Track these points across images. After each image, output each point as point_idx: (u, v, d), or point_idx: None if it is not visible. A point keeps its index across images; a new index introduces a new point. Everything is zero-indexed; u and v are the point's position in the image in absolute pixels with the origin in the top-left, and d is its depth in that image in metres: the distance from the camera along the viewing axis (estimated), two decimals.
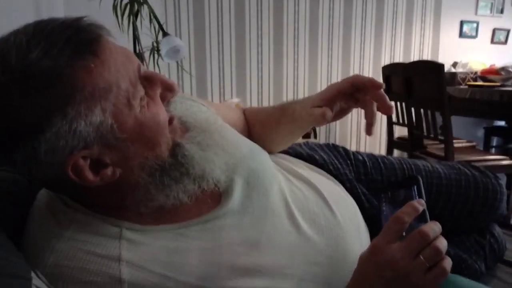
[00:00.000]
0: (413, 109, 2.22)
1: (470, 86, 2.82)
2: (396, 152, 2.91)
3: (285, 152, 0.87)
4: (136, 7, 1.59)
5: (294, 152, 0.87)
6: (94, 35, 0.45)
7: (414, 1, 3.21)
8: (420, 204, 0.50)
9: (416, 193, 0.52)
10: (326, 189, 0.69)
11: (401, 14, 3.19)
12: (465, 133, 3.10)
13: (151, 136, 0.49)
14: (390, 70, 2.50)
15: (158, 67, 1.89)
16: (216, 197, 0.58)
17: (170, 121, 0.54)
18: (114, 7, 1.60)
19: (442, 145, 2.03)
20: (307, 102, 0.70)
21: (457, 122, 2.71)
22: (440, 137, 2.03)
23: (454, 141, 2.09)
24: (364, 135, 3.29)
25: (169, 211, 0.53)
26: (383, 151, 3.21)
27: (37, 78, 0.41)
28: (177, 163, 0.52)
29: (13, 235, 0.48)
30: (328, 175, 0.78)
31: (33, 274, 0.41)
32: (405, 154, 2.67)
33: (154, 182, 0.51)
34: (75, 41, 0.43)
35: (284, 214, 0.61)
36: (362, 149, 3.29)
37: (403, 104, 2.35)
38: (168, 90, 0.53)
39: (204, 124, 0.61)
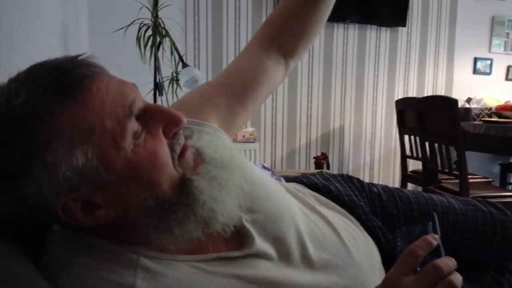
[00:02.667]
0: (427, 144, 2.22)
1: (485, 121, 2.81)
2: (410, 186, 2.87)
3: (300, 181, 0.87)
4: (158, 39, 1.66)
5: (309, 182, 0.86)
6: (77, 77, 0.44)
7: (428, 37, 3.26)
8: (434, 239, 0.50)
9: (431, 229, 0.52)
10: (342, 226, 0.68)
11: (414, 49, 3.25)
12: (480, 169, 3.06)
13: (147, 176, 0.47)
14: (404, 104, 2.52)
15: (177, 96, 1.94)
16: (235, 237, 0.56)
17: (182, 153, 0.51)
18: (138, 39, 1.68)
19: (457, 180, 2.01)
20: None
21: (472, 158, 2.69)
22: (455, 172, 2.01)
23: (470, 177, 2.06)
24: (378, 167, 3.28)
25: (183, 247, 0.51)
26: (396, 185, 3.17)
27: (16, 124, 0.42)
28: (182, 202, 0.49)
29: (34, 257, 0.49)
30: (343, 210, 0.76)
31: None
32: (419, 188, 2.64)
33: (153, 224, 0.48)
34: (56, 85, 0.43)
35: (300, 256, 0.59)
36: (375, 182, 3.26)
37: (417, 138, 2.35)
38: (171, 124, 0.49)
39: (225, 158, 0.56)
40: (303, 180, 0.87)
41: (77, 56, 0.48)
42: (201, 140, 0.59)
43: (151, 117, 0.48)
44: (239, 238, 0.57)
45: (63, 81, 0.43)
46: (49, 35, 1.23)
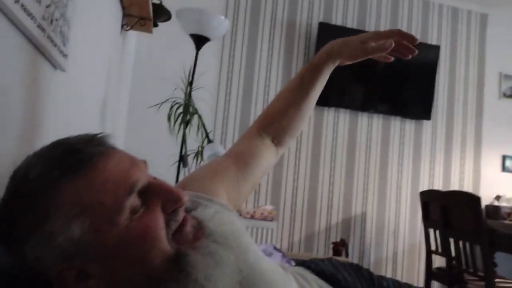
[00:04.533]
0: (451, 240, 2.12)
1: None
2: (435, 284, 2.69)
3: (308, 266, 0.86)
4: (188, 116, 1.79)
5: (316, 269, 0.84)
6: (85, 156, 0.48)
7: (453, 131, 3.30)
8: None
9: None
10: None
11: (440, 143, 3.26)
12: None
13: (137, 252, 0.48)
14: (428, 197, 2.47)
15: None
16: None
17: (181, 227, 0.52)
18: (169, 116, 1.81)
19: (483, 283, 1.87)
20: (351, 43, 0.80)
21: (504, 260, 2.52)
22: (480, 273, 1.89)
23: (500, 280, 1.92)
24: (401, 261, 3.11)
25: None
26: (421, 282, 2.98)
27: (26, 197, 0.47)
28: (172, 279, 0.49)
29: None
30: None
31: None
32: None
33: None
34: (63, 163, 0.48)
35: None
36: (398, 278, 3.07)
37: (441, 233, 2.26)
38: (171, 201, 0.51)
39: (226, 233, 0.57)
40: (310, 265, 0.86)
41: (94, 135, 0.53)
42: (205, 212, 0.60)
43: (152, 193, 0.51)
44: None
45: (71, 160, 0.48)
46: (90, 108, 1.36)
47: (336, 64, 0.85)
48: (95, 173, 0.48)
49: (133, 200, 0.49)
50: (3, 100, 0.62)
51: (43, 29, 0.71)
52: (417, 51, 0.79)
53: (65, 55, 0.87)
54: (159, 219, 0.50)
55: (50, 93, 0.86)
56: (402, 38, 0.78)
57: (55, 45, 0.79)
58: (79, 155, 0.49)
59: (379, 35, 0.78)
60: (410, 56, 0.80)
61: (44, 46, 0.73)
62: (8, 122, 0.66)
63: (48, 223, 0.46)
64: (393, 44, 0.76)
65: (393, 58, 0.83)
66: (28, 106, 0.74)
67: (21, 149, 0.68)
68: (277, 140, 0.87)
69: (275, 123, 0.86)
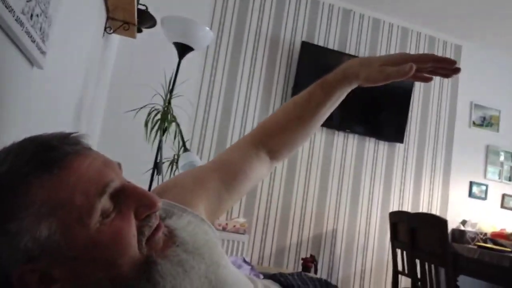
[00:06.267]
0: (418, 261, 2.17)
1: (479, 246, 2.77)
2: None
3: (277, 280, 0.86)
4: (165, 124, 1.77)
5: (285, 282, 0.85)
6: (59, 154, 0.46)
7: (424, 156, 3.40)
8: None
9: None
10: None
11: (410, 166, 3.36)
12: None
13: (106, 256, 0.46)
14: (397, 217, 2.53)
15: None
16: None
17: (153, 233, 0.51)
18: (146, 122, 1.79)
19: None
20: (371, 64, 0.72)
21: (466, 283, 2.59)
22: None
23: None
24: (368, 279, 3.15)
25: None
26: None
27: None
28: (141, 286, 0.48)
29: None
30: None
31: None
32: None
33: None
34: (37, 159, 0.45)
35: None
36: None
37: (408, 254, 2.31)
38: (144, 206, 0.50)
39: (198, 244, 0.55)
40: (280, 279, 0.86)
41: (69, 134, 0.51)
42: (179, 221, 0.58)
43: (126, 197, 0.49)
44: None
45: (45, 157, 0.46)
46: (66, 108, 1.33)
47: (353, 86, 0.77)
48: (69, 172, 0.46)
49: (105, 203, 0.47)
50: None
51: (21, 23, 0.69)
52: (458, 69, 0.70)
53: (43, 52, 0.86)
54: (132, 225, 0.49)
55: (24, 90, 0.84)
56: (436, 63, 0.70)
57: (33, 41, 0.77)
58: (54, 152, 0.47)
59: (404, 58, 0.69)
60: (452, 76, 0.72)
61: (22, 41, 0.71)
62: None
63: (15, 221, 0.44)
64: (414, 69, 0.67)
65: (433, 78, 0.75)
66: (1, 103, 0.72)
67: None
68: (273, 153, 0.83)
69: (274, 136, 0.82)
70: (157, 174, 1.85)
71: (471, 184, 3.50)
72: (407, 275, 2.36)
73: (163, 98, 1.89)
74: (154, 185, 1.88)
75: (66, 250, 0.45)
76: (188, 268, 0.52)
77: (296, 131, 0.81)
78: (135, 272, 0.48)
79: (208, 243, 0.59)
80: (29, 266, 0.45)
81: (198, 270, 0.53)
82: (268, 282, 0.83)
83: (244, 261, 1.29)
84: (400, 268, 2.49)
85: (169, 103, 1.83)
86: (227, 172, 0.78)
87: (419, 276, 2.16)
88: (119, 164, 0.53)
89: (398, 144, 3.33)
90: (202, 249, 0.55)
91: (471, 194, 3.49)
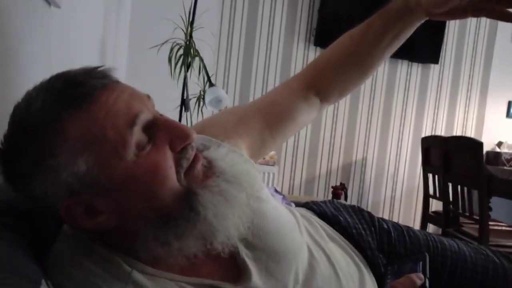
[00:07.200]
0: (450, 185, 2.16)
1: None
2: (430, 227, 2.78)
3: (310, 208, 0.87)
4: (189, 59, 1.73)
5: (318, 210, 0.85)
6: (87, 89, 0.46)
7: (460, 76, 3.22)
8: (419, 278, 0.49)
9: (421, 269, 0.52)
10: (344, 267, 0.66)
11: (446, 88, 3.20)
12: (509, 217, 2.93)
13: (145, 188, 0.47)
14: (430, 142, 2.48)
15: (202, 113, 2.00)
16: (231, 268, 0.56)
17: (192, 165, 0.51)
18: (170, 58, 1.76)
19: (477, 226, 1.94)
20: None
21: (500, 204, 2.58)
22: (475, 217, 1.94)
23: (494, 223, 1.98)
24: (398, 205, 3.20)
25: (180, 261, 0.51)
26: (417, 225, 3.08)
27: (29, 130, 0.46)
28: (183, 217, 0.49)
29: (40, 248, 0.51)
30: (349, 244, 0.75)
31: (43, 282, 0.44)
32: (439, 230, 2.55)
33: (152, 235, 0.49)
34: (66, 96, 0.46)
35: None
36: (395, 220, 3.17)
37: (440, 178, 2.29)
38: (178, 137, 0.50)
39: (237, 172, 0.55)
40: (313, 206, 0.86)
41: (95, 68, 0.50)
42: (217, 152, 0.58)
43: (159, 129, 0.49)
44: (235, 270, 0.56)
45: (73, 92, 0.46)
46: (88, 47, 1.31)
47: (418, 17, 0.68)
48: (98, 107, 0.46)
49: (138, 135, 0.47)
50: None
51: None
52: None
53: None
54: (167, 157, 0.49)
55: (43, 30, 0.82)
56: None
57: None
58: (81, 87, 0.47)
59: None
60: None
61: None
62: None
63: (53, 157, 0.45)
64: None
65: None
66: (20, 44, 0.71)
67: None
68: (324, 94, 0.77)
69: (325, 74, 0.76)
70: (185, 111, 1.86)
71: (510, 103, 3.33)
72: (438, 199, 2.37)
73: (184, 31, 1.82)
74: (183, 122, 1.89)
75: (106, 183, 0.46)
76: (229, 197, 0.52)
77: (350, 69, 0.75)
78: (177, 202, 0.49)
79: (248, 173, 0.58)
80: (73, 199, 0.47)
81: (239, 198, 0.53)
82: (302, 210, 0.85)
83: (276, 191, 1.33)
84: (431, 192, 2.49)
85: (191, 36, 1.77)
86: (272, 113, 0.74)
87: (451, 199, 2.16)
88: (148, 96, 0.52)
89: (432, 65, 3.15)
90: (242, 179, 0.55)
91: (509, 115, 3.34)
